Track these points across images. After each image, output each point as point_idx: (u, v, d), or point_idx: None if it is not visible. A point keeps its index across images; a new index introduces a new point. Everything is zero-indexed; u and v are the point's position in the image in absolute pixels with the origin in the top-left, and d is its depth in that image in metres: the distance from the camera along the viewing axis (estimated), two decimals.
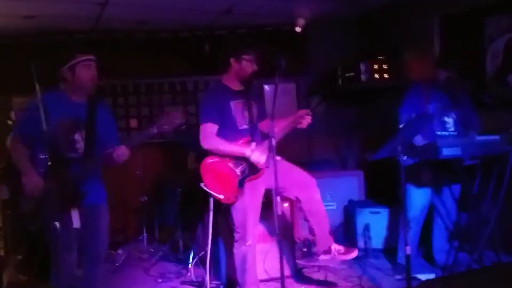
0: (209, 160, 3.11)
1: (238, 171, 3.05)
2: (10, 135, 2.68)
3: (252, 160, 3.00)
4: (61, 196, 2.47)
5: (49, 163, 2.20)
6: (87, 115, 2.68)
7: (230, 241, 3.31)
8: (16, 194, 2.62)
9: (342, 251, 3.22)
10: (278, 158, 3.09)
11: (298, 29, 5.22)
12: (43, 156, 2.45)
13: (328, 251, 3.24)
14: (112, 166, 2.72)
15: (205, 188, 3.07)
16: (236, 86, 3.16)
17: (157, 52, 5.32)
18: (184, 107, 5.60)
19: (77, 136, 2.63)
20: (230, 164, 3.05)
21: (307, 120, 3.04)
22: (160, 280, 3.85)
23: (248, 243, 3.14)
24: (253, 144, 3.06)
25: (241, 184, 3.04)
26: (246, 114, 3.16)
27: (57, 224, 2.12)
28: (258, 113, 3.23)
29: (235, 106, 3.12)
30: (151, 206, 4.89)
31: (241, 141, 3.10)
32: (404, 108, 3.42)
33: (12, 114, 4.07)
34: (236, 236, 3.16)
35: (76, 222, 2.53)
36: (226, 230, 3.54)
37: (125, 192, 2.88)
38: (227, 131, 3.09)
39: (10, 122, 4.11)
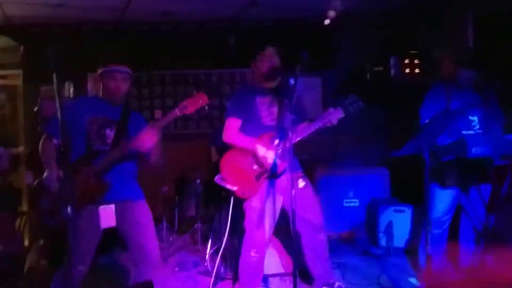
0: (231, 152, 3.11)
1: (256, 165, 3.01)
2: (44, 135, 2.70)
3: (259, 155, 2.95)
4: (83, 187, 2.49)
5: (61, 149, 2.19)
6: (120, 115, 2.72)
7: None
8: (39, 187, 2.65)
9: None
10: (303, 183, 3.10)
11: (326, 22, 5.11)
12: (57, 142, 2.49)
13: (331, 285, 3.18)
14: (147, 166, 2.76)
15: (219, 181, 3.05)
16: (264, 83, 3.13)
17: (182, 43, 5.33)
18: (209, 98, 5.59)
19: (108, 132, 2.67)
20: (250, 158, 3.02)
21: (337, 116, 2.96)
22: (177, 269, 3.88)
23: (254, 251, 3.07)
24: (276, 141, 2.99)
25: (257, 178, 2.99)
26: (274, 110, 3.12)
27: (69, 209, 2.11)
28: (290, 111, 3.15)
29: (261, 102, 3.10)
30: (172, 197, 4.92)
31: (265, 137, 3.05)
32: (425, 107, 3.29)
33: (39, 101, 4.15)
34: (246, 235, 3.11)
35: (108, 221, 2.56)
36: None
37: (146, 181, 2.89)
38: (251, 126, 3.07)
39: (35, 109, 4.20)
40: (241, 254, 3.15)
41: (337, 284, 3.21)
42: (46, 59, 2.15)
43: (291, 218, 3.04)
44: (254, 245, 3.07)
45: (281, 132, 3.02)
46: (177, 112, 2.57)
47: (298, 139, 2.97)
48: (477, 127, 3.25)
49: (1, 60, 5.33)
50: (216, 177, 3.08)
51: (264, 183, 3.00)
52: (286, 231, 3.37)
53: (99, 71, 2.70)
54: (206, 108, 2.70)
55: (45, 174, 2.55)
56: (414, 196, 4.09)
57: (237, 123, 3.08)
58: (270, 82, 3.12)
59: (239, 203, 3.16)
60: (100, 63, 2.70)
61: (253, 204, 3.05)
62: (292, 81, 3.20)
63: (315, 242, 3.16)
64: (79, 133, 2.59)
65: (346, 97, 2.99)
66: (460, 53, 3.44)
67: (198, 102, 2.59)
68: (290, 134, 2.73)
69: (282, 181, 3.05)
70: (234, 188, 3.02)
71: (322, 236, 3.18)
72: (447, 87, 3.30)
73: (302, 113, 3.15)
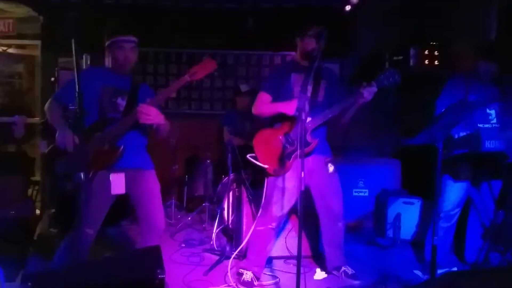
0: (262, 131, 3.15)
1: (287, 143, 3.02)
2: (50, 98, 2.74)
3: (289, 111, 2.94)
4: (97, 152, 2.53)
5: (78, 114, 2.21)
6: (130, 87, 2.77)
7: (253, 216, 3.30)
8: (52, 152, 2.69)
9: (350, 273, 3.23)
10: (332, 168, 3.12)
11: (347, 8, 5.03)
12: (72, 107, 2.50)
13: (338, 268, 3.26)
14: (158, 138, 2.79)
15: (251, 159, 3.08)
16: (303, 62, 3.13)
17: (201, 22, 5.30)
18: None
19: (120, 100, 2.71)
20: (281, 137, 3.04)
21: (370, 91, 2.90)
22: (183, 245, 3.92)
23: (271, 225, 3.12)
24: (308, 118, 2.95)
25: (288, 157, 3.01)
26: (308, 88, 3.06)
27: (82, 175, 2.14)
28: (326, 94, 3.13)
29: (296, 79, 3.09)
30: (182, 176, 4.96)
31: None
32: (442, 98, 3.24)
33: (56, 72, 4.19)
34: (261, 212, 3.14)
35: (118, 187, 2.59)
36: (252, 205, 3.54)
37: (157, 158, 2.92)
38: (284, 100, 3.05)
39: (52, 79, 4.23)
40: (253, 229, 3.18)
41: (343, 268, 3.24)
42: (65, 30, 2.15)
43: (317, 201, 3.09)
44: (268, 222, 3.11)
45: (314, 110, 3.02)
46: (187, 78, 2.59)
47: (330, 116, 2.97)
48: (494, 121, 3.19)
49: (21, 30, 5.37)
50: (248, 155, 3.11)
51: (293, 162, 3.01)
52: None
53: (107, 42, 2.72)
54: (216, 73, 2.71)
55: (57, 134, 2.57)
56: (425, 189, 4.05)
57: (267, 98, 3.11)
58: (309, 62, 3.06)
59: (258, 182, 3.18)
60: (110, 33, 2.71)
61: (276, 183, 3.08)
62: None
63: (333, 229, 3.21)
64: (92, 100, 2.62)
65: (384, 70, 2.94)
66: (480, 45, 3.35)
67: (207, 67, 2.60)
68: (325, 114, 2.83)
69: (309, 163, 3.04)
70: (266, 166, 3.04)
71: (341, 225, 3.22)
72: (466, 79, 3.24)
73: (341, 94, 3.14)
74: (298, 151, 2.79)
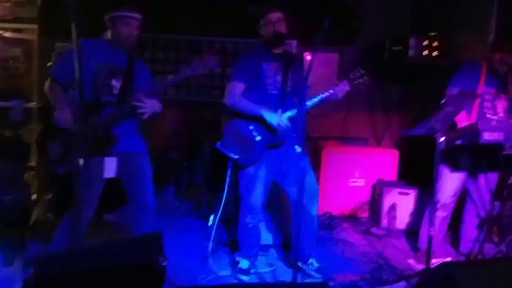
0: (233, 120, 3.06)
1: (257, 134, 2.96)
2: (49, 78, 2.72)
3: (267, 121, 2.88)
4: (92, 137, 2.50)
5: (79, 102, 2.20)
6: (126, 65, 2.73)
7: None
8: (47, 135, 2.68)
9: (315, 268, 3.11)
10: (299, 149, 2.99)
11: None
12: (73, 93, 2.49)
13: (304, 261, 3.13)
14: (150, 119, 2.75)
15: (220, 147, 3.03)
16: (273, 49, 3.06)
17: (200, 9, 5.25)
18: (222, 68, 5.56)
19: (114, 82, 2.68)
20: (251, 127, 2.97)
21: (342, 89, 2.89)
22: (180, 232, 3.92)
23: (250, 217, 3.11)
24: (279, 111, 2.91)
25: (258, 148, 2.96)
26: (278, 78, 3.04)
27: (81, 161, 2.13)
28: (296, 81, 3.08)
29: (267, 68, 3.02)
30: (181, 163, 4.95)
31: (268, 106, 2.99)
32: (454, 83, 3.19)
33: (53, 57, 4.15)
34: (241, 205, 3.14)
35: (110, 171, 2.59)
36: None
37: (156, 145, 2.93)
38: (256, 92, 3.00)
39: (49, 64, 4.20)
40: (238, 222, 3.19)
41: (310, 260, 3.15)
42: (63, 15, 2.13)
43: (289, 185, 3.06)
44: (249, 211, 3.10)
45: (285, 102, 2.99)
46: (188, 72, 2.57)
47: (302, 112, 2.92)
48: (502, 114, 3.18)
49: (18, 14, 5.30)
50: (217, 144, 3.06)
51: (264, 152, 2.98)
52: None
53: (112, 14, 2.67)
54: (218, 69, 2.69)
55: (56, 113, 2.56)
56: (421, 180, 4.08)
57: (241, 87, 3.00)
58: (276, 48, 3.05)
59: (237, 170, 3.15)
60: (115, 7, 2.67)
61: (247, 172, 3.05)
62: (308, 56, 3.16)
63: (308, 213, 3.10)
64: (87, 79, 2.56)
65: (352, 69, 2.91)
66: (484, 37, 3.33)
67: (209, 62, 2.58)
68: (301, 104, 2.65)
69: (281, 151, 3.03)
70: (236, 156, 3.00)
71: (315, 211, 3.13)
72: (478, 70, 3.20)
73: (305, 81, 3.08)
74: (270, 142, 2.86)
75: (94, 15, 2.92)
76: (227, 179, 3.16)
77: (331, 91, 2.89)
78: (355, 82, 2.91)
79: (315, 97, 2.90)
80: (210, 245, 3.31)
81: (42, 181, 4.65)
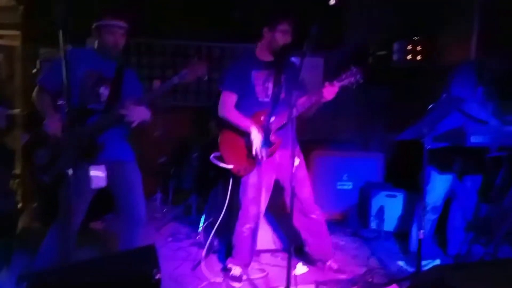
0: (228, 131, 3.08)
1: (251, 143, 2.97)
2: (37, 86, 2.68)
3: (251, 137, 2.93)
4: (78, 145, 2.48)
5: (66, 110, 2.17)
6: (114, 73, 2.71)
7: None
8: (34, 143, 2.64)
9: (335, 268, 3.26)
10: (297, 161, 3.07)
11: (332, 2, 5.04)
12: (61, 102, 2.46)
13: (323, 262, 3.30)
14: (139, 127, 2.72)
15: (214, 160, 3.06)
16: (265, 57, 3.05)
17: (186, 14, 5.23)
18: (209, 73, 5.55)
19: (102, 90, 2.66)
20: (246, 137, 3.00)
21: (331, 91, 2.88)
22: (170, 239, 3.91)
23: (247, 226, 3.12)
24: (272, 118, 2.95)
25: (253, 156, 2.97)
26: (269, 86, 3.04)
27: (70, 171, 2.11)
28: (289, 88, 3.05)
29: (257, 77, 3.02)
30: (168, 168, 4.92)
31: (260, 115, 3.02)
32: (457, 83, 3.13)
33: (37, 63, 4.09)
34: (241, 213, 3.14)
35: (99, 181, 2.54)
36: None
37: (143, 151, 2.90)
38: (247, 101, 3.02)
39: (34, 71, 4.14)
40: (235, 229, 3.18)
41: (329, 262, 3.27)
42: (46, 20, 2.11)
43: (288, 195, 3.10)
44: (249, 220, 3.11)
45: (277, 109, 3.00)
46: (176, 80, 2.56)
47: (295, 115, 2.90)
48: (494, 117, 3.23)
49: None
50: (211, 156, 3.08)
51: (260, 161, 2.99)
52: (280, 208, 3.43)
53: (95, 24, 2.66)
54: (206, 77, 2.68)
55: (44, 121, 2.52)
56: (408, 182, 4.13)
57: (233, 98, 3.02)
58: (274, 57, 3.06)
59: (237, 178, 3.16)
60: (100, 15, 2.65)
61: (249, 181, 3.06)
62: (293, 59, 3.17)
63: (308, 221, 3.20)
64: (74, 87, 2.54)
65: (346, 69, 2.90)
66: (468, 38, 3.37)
67: (197, 71, 2.57)
68: (291, 110, 2.66)
69: (276, 158, 3.07)
70: (230, 167, 3.02)
71: (316, 216, 3.21)
72: (479, 70, 3.21)
73: (303, 89, 3.08)
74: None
75: (80, 23, 2.91)
76: (229, 189, 3.17)
77: (321, 94, 2.89)
78: (347, 82, 2.89)
79: (308, 102, 2.92)
80: (204, 252, 3.30)
81: (27, 189, 4.58)
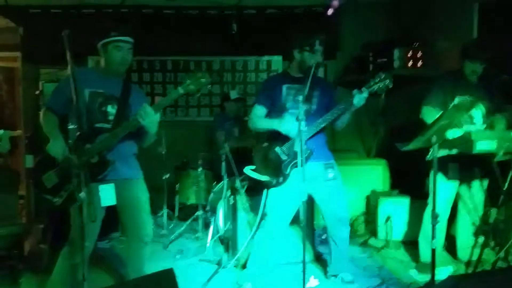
0: (260, 144, 3.15)
1: (283, 154, 3.03)
2: (43, 108, 2.67)
3: (282, 130, 2.95)
4: (87, 164, 2.45)
5: (78, 133, 2.16)
6: (122, 91, 2.68)
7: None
8: (40, 165, 2.63)
9: (348, 280, 3.23)
10: (332, 174, 3.10)
11: (330, 11, 5.07)
12: (72, 127, 2.44)
13: (335, 276, 3.28)
14: (143, 143, 2.75)
15: (248, 172, 3.10)
16: (296, 73, 3.12)
17: (184, 29, 5.27)
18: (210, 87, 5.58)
19: (110, 108, 2.64)
20: (277, 149, 3.05)
21: (360, 99, 2.88)
22: (178, 256, 3.88)
23: (270, 238, 3.13)
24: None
25: (285, 168, 3.01)
26: (300, 99, 3.06)
27: (83, 194, 2.10)
28: (319, 102, 3.11)
29: (288, 90, 3.09)
30: (173, 184, 4.90)
31: None
32: (430, 99, 3.32)
33: (40, 85, 4.09)
34: (266, 224, 3.14)
35: (109, 199, 2.53)
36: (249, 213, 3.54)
37: (147, 167, 2.90)
38: (277, 114, 3.06)
39: (37, 92, 4.14)
40: (256, 239, 3.18)
41: (341, 274, 3.25)
42: (45, 43, 2.11)
43: (305, 207, 3.10)
44: (271, 234, 3.12)
45: (307, 119, 2.97)
46: (180, 90, 2.55)
47: (323, 125, 2.99)
48: (481, 121, 3.26)
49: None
50: (245, 169, 3.13)
51: (292, 172, 3.01)
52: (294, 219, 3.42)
53: (104, 40, 2.59)
54: (209, 86, 2.68)
55: (49, 144, 2.51)
56: (411, 188, 4.12)
57: (262, 110, 3.12)
58: (301, 73, 3.07)
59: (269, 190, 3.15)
60: (105, 31, 2.61)
61: (277, 194, 3.08)
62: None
63: (339, 234, 3.20)
64: (81, 107, 2.48)
65: (375, 76, 2.93)
66: (465, 45, 3.41)
67: (199, 81, 2.56)
68: (318, 123, 2.86)
69: (309, 169, 2.99)
70: (264, 178, 3.05)
71: (346, 230, 3.22)
72: (453, 80, 3.30)
73: (332, 100, 3.16)
74: (297, 160, 2.79)
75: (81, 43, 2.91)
76: (262, 203, 3.19)
77: (350, 102, 2.91)
78: (376, 87, 2.91)
79: (336, 111, 2.95)
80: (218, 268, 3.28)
81: (33, 210, 4.56)
